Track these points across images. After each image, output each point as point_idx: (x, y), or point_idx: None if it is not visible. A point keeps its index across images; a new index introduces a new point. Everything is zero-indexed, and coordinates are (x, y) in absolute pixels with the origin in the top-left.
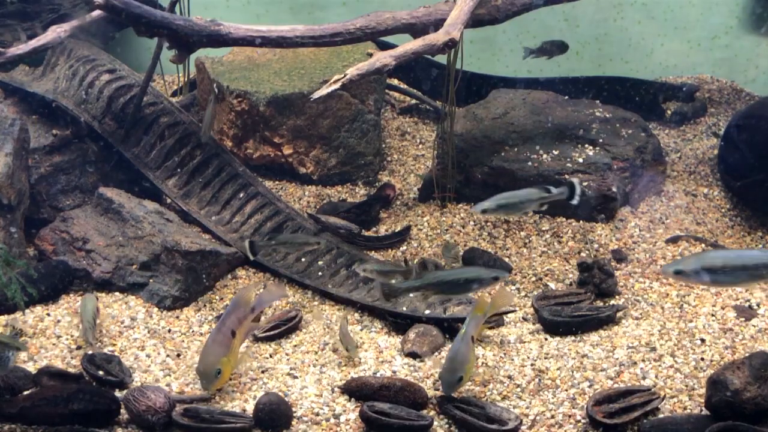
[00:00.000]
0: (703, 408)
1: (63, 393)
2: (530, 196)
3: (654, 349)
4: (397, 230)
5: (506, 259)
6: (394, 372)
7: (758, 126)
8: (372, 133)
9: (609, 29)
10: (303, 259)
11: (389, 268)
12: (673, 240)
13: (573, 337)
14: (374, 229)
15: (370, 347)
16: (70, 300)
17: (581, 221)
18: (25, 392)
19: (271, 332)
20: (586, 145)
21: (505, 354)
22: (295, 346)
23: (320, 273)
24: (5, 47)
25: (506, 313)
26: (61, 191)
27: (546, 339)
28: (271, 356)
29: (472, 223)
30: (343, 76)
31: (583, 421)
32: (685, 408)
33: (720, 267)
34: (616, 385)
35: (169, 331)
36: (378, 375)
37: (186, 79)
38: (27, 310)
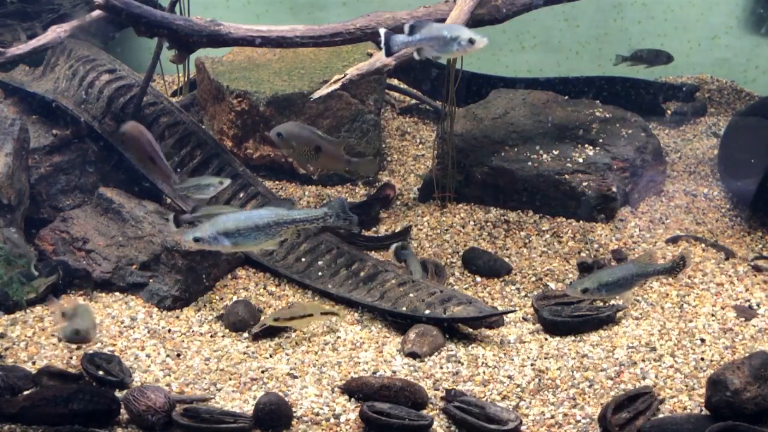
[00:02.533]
0: (703, 408)
1: (63, 393)
2: None
3: (654, 349)
4: (397, 230)
5: (506, 259)
6: (394, 372)
7: (758, 126)
8: (372, 133)
9: (609, 29)
10: (303, 259)
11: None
12: (673, 240)
13: (573, 337)
14: (374, 229)
15: (370, 347)
16: (70, 300)
17: (581, 221)
18: (25, 392)
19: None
20: (586, 145)
21: (505, 354)
22: (295, 346)
23: (320, 273)
24: (5, 47)
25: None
26: (61, 191)
27: (546, 339)
28: (271, 356)
29: (472, 223)
30: (343, 76)
31: (583, 421)
32: (685, 408)
33: (234, 230)
34: (616, 391)
35: (169, 331)
36: (378, 375)
37: (186, 79)
38: (27, 310)
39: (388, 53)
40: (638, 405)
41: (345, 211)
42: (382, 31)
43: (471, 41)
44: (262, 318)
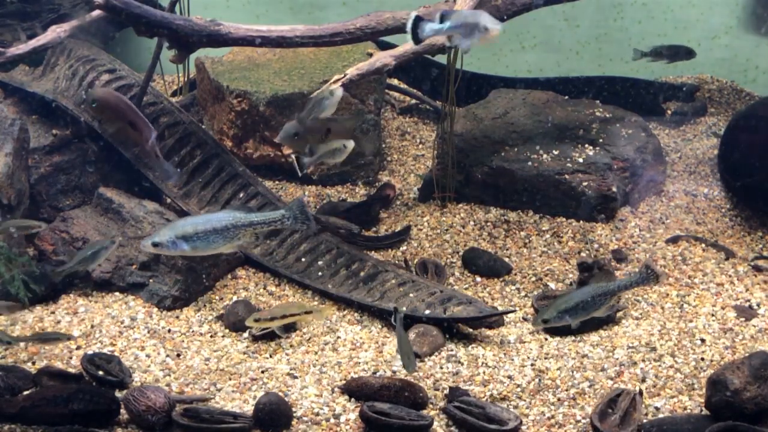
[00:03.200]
0: (703, 408)
1: (63, 393)
2: None
3: (654, 349)
4: (397, 230)
5: (506, 259)
6: (394, 372)
7: (758, 126)
8: (372, 133)
9: (609, 29)
10: (303, 259)
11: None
12: (673, 240)
13: (573, 337)
14: (374, 229)
15: (370, 347)
16: (69, 300)
17: (581, 221)
18: (25, 392)
19: (268, 331)
20: (586, 145)
21: (505, 354)
22: (295, 346)
23: (320, 273)
24: (5, 47)
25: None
26: (61, 191)
27: (546, 339)
28: (271, 356)
29: (472, 223)
30: (343, 76)
31: (583, 421)
32: (685, 408)
33: (192, 234)
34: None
35: (169, 331)
36: (378, 375)
37: (186, 79)
38: (28, 309)
39: (417, 40)
40: (621, 404)
41: (304, 212)
42: (412, 14)
43: (485, 28)
44: (247, 320)
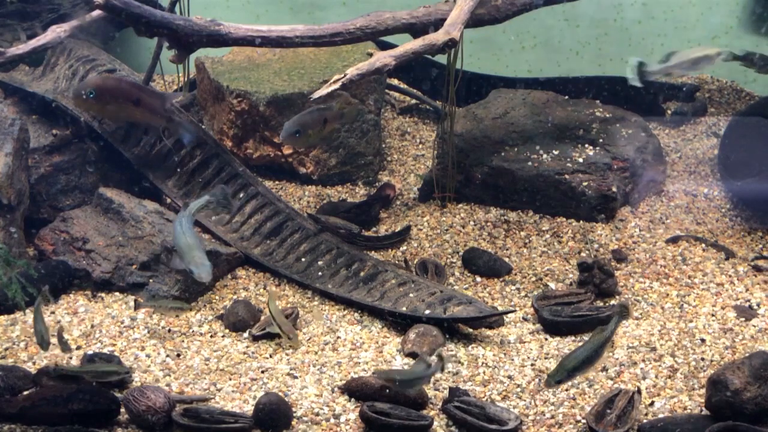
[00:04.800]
0: (703, 408)
1: (63, 393)
2: None
3: (654, 349)
4: (397, 230)
5: (506, 259)
6: None
7: (758, 126)
8: (372, 133)
9: (609, 29)
10: (303, 259)
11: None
12: (673, 240)
13: (573, 337)
14: (374, 229)
15: (370, 347)
16: (70, 300)
17: (581, 221)
18: (25, 392)
19: (266, 331)
20: (586, 145)
21: (505, 354)
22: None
23: (320, 273)
24: (5, 47)
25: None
26: (61, 191)
27: (546, 339)
28: (271, 356)
29: (472, 223)
30: (343, 76)
31: (583, 421)
32: (685, 408)
33: (200, 245)
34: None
35: (169, 331)
36: None
37: (186, 79)
38: (27, 310)
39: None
40: (618, 404)
41: (225, 198)
42: (632, 60)
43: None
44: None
